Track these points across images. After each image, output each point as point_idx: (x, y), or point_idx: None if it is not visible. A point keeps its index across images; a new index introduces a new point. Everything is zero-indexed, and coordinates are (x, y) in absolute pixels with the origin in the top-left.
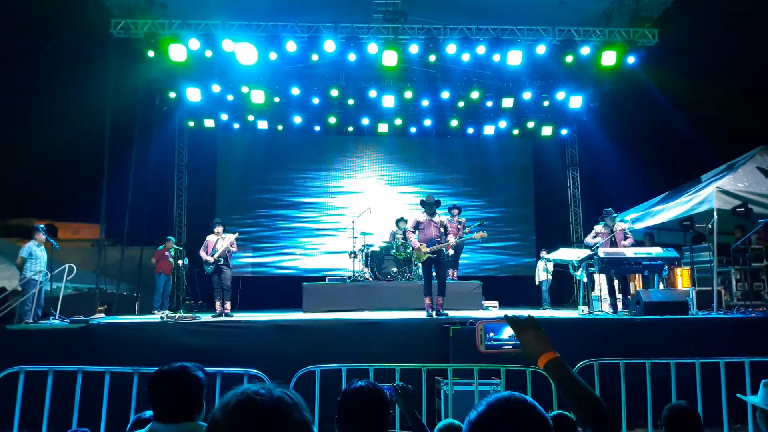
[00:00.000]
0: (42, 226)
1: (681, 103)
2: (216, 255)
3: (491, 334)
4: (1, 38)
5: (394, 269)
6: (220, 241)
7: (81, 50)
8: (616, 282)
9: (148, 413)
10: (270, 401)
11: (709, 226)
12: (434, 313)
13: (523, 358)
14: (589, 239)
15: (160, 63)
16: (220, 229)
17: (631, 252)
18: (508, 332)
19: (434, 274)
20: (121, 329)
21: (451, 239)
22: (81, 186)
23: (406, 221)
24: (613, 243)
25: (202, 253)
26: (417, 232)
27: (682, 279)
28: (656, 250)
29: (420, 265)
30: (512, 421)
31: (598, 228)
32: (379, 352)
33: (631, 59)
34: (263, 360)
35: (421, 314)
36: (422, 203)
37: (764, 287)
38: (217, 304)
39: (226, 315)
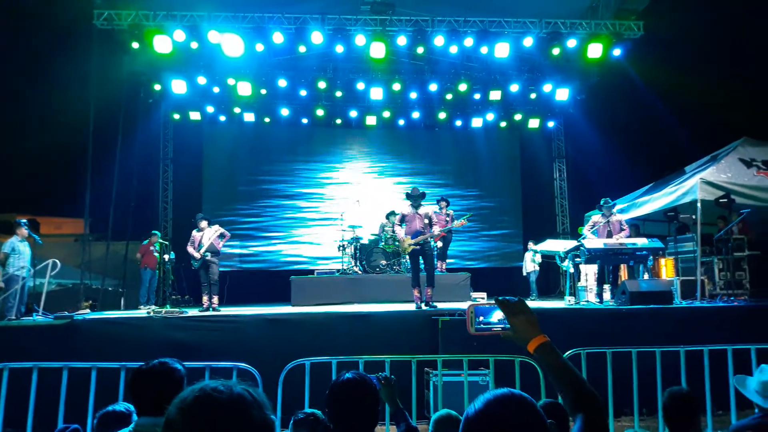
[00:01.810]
0: (24, 221)
1: (666, 95)
2: (203, 250)
3: (481, 318)
4: None
5: (383, 262)
6: (205, 235)
7: (64, 42)
8: (606, 272)
9: (120, 406)
10: (228, 399)
11: (693, 216)
12: (423, 304)
13: (513, 341)
14: (586, 230)
15: (144, 55)
16: (204, 223)
17: (616, 243)
18: (498, 315)
19: (422, 266)
20: (107, 325)
21: (435, 230)
22: (64, 180)
23: (396, 215)
24: (609, 233)
25: (189, 249)
26: (403, 224)
27: (667, 269)
28: (641, 241)
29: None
30: (509, 419)
31: (596, 218)
32: (368, 344)
33: (617, 52)
34: (253, 354)
35: (410, 306)
36: (407, 196)
37: (746, 276)
38: (205, 298)
39: (214, 309)
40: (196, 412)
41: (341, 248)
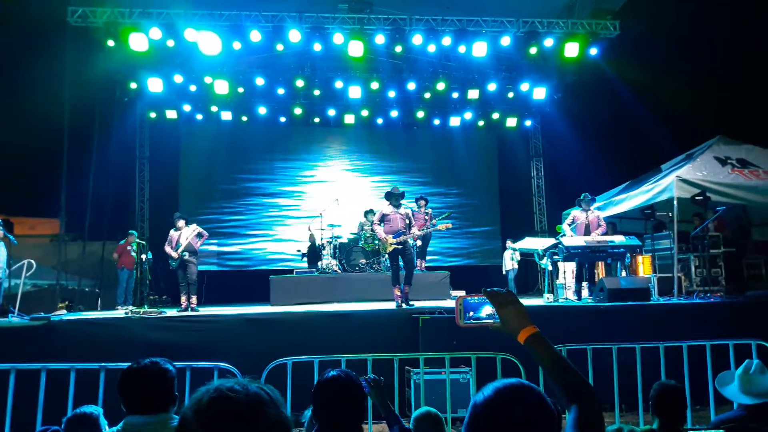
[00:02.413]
0: None
1: (641, 93)
2: (180, 249)
3: (471, 313)
4: None
5: (363, 261)
6: (183, 234)
7: (37, 40)
8: (584, 269)
9: (88, 408)
10: (245, 398)
11: (670, 214)
12: (403, 303)
13: (503, 333)
14: (566, 225)
15: (120, 53)
16: (181, 222)
17: (594, 240)
18: (487, 310)
19: (401, 264)
20: (85, 325)
21: (415, 230)
22: (39, 180)
23: (375, 213)
24: (587, 229)
25: (167, 249)
26: (383, 224)
27: (644, 266)
28: (619, 239)
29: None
30: (519, 407)
31: (575, 212)
32: (349, 343)
33: (593, 51)
34: (233, 354)
35: (391, 305)
36: (388, 195)
37: (722, 273)
38: (183, 298)
39: (192, 310)
40: (212, 413)
41: (320, 247)
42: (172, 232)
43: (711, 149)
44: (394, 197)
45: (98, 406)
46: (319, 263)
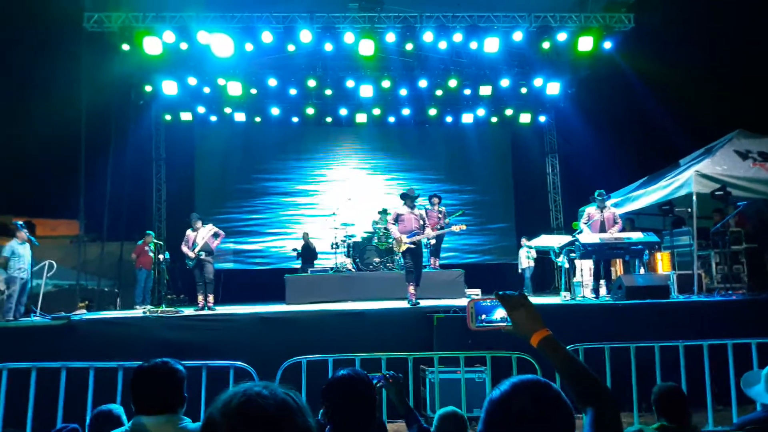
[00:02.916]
0: (21, 223)
1: (658, 87)
2: (197, 249)
3: (483, 316)
4: None
5: (376, 259)
6: (200, 234)
7: (54, 45)
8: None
9: (111, 406)
10: (274, 404)
11: (689, 210)
12: (418, 301)
13: (516, 335)
14: (582, 224)
15: (135, 56)
16: (198, 223)
17: (611, 237)
18: (500, 313)
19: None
20: (104, 325)
21: (429, 231)
22: (58, 182)
23: (389, 213)
24: (603, 226)
25: (184, 248)
26: (397, 223)
27: (663, 263)
28: (637, 235)
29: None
30: (534, 402)
31: (590, 210)
32: (363, 342)
33: (607, 44)
34: (248, 352)
35: (404, 303)
36: (403, 196)
37: (743, 270)
38: (200, 297)
39: (209, 309)
40: (241, 417)
41: (334, 246)
42: (189, 232)
43: (731, 143)
44: (409, 198)
45: (117, 403)
46: (316, 262)
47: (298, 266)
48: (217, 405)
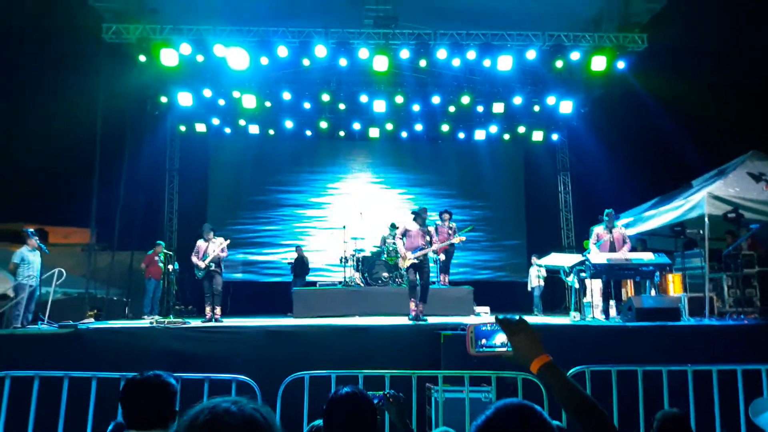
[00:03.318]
0: (32, 230)
1: (671, 108)
2: (207, 260)
3: (483, 340)
4: None
5: (385, 274)
6: (210, 246)
7: (72, 55)
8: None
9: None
10: (241, 421)
11: (701, 231)
12: (418, 317)
13: (515, 362)
14: (591, 244)
15: (151, 68)
16: (210, 234)
17: (623, 257)
18: (500, 338)
19: (418, 280)
20: (110, 334)
21: (434, 246)
22: (72, 190)
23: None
24: (612, 246)
25: (194, 258)
26: (404, 238)
27: (674, 285)
28: (648, 256)
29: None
30: (518, 428)
31: (598, 230)
32: (369, 358)
33: (620, 64)
34: (253, 366)
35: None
36: (415, 213)
37: (756, 293)
38: (207, 309)
39: (216, 320)
40: None
41: (343, 260)
42: (200, 242)
43: (744, 165)
44: (420, 217)
45: (116, 415)
46: (308, 277)
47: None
48: (184, 421)
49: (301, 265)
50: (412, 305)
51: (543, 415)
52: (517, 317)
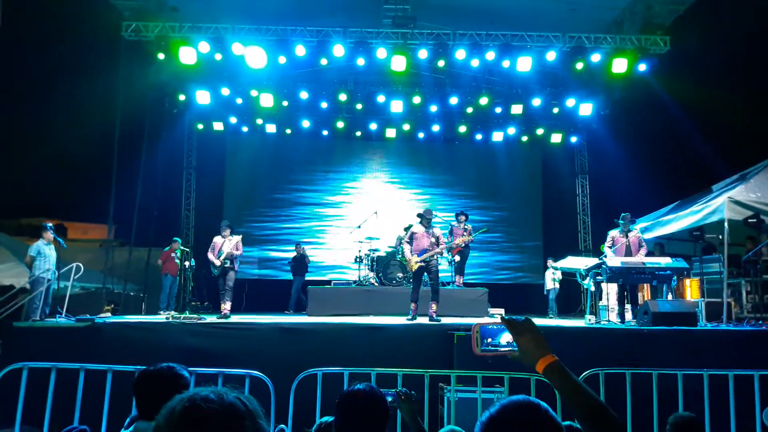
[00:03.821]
0: (50, 224)
1: (692, 111)
2: (222, 257)
3: (489, 339)
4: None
5: (400, 275)
6: (227, 243)
7: (92, 52)
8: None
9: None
10: (220, 410)
11: (720, 236)
12: (416, 317)
13: (521, 362)
14: (606, 248)
15: (170, 65)
16: (227, 231)
17: (640, 261)
18: (506, 337)
19: (427, 282)
20: (127, 328)
21: (441, 248)
22: (91, 187)
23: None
24: (628, 250)
25: (210, 255)
26: (412, 242)
27: (691, 290)
28: (666, 260)
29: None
30: (524, 425)
31: (614, 233)
32: (382, 356)
33: (642, 67)
34: (266, 362)
35: (426, 320)
36: (421, 216)
37: None
38: (222, 305)
39: (224, 317)
40: (185, 424)
41: (358, 260)
42: (216, 238)
43: (766, 170)
44: (425, 219)
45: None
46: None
47: (306, 278)
48: (163, 410)
49: (300, 263)
50: (413, 306)
51: (549, 411)
52: (522, 318)
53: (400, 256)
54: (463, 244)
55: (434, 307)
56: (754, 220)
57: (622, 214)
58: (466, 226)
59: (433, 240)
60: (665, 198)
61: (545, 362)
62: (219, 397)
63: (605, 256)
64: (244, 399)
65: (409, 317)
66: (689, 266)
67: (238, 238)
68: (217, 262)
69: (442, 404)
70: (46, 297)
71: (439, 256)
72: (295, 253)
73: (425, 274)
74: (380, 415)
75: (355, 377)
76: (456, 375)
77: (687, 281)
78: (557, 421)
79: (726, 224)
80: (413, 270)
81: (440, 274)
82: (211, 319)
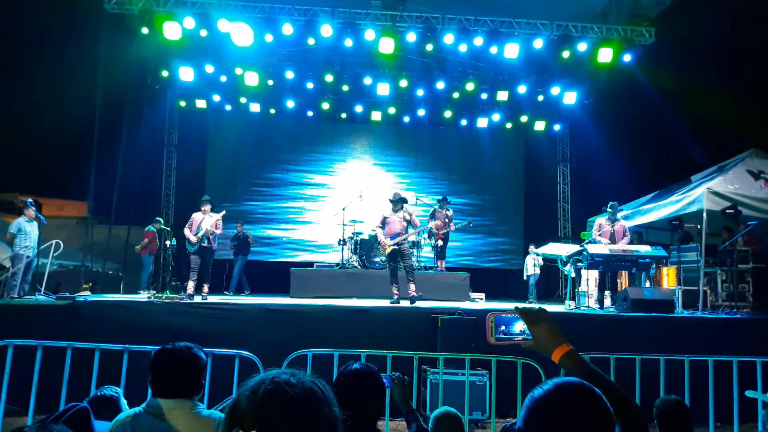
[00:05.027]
0: (31, 201)
1: (675, 103)
2: (200, 234)
3: (503, 327)
4: None
5: (383, 258)
6: (206, 220)
7: (73, 24)
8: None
9: (108, 390)
10: (302, 394)
11: (698, 226)
12: (400, 300)
13: (537, 351)
14: (595, 233)
15: (153, 41)
16: (207, 207)
17: (620, 249)
18: (519, 326)
19: (400, 264)
20: (108, 308)
21: (411, 231)
22: (68, 162)
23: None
24: (613, 238)
25: (186, 231)
26: (384, 227)
27: (669, 278)
28: (645, 249)
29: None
30: (577, 407)
31: (601, 221)
32: (367, 338)
33: (627, 57)
34: (253, 343)
35: (406, 303)
36: (393, 202)
37: (749, 289)
38: (190, 284)
39: (190, 297)
40: (269, 405)
41: (341, 242)
42: (196, 214)
43: (744, 162)
44: (393, 202)
45: (120, 387)
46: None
47: (288, 260)
48: (245, 391)
49: (243, 243)
50: (395, 289)
51: (603, 398)
52: (537, 307)
53: None
54: (443, 232)
55: (412, 287)
56: (732, 211)
57: (610, 203)
58: (447, 211)
59: (405, 223)
60: (645, 187)
61: (561, 351)
62: (299, 381)
63: (588, 243)
64: (320, 384)
65: (393, 300)
66: (667, 255)
67: (219, 215)
68: (194, 239)
69: (425, 386)
70: (26, 274)
71: (417, 233)
72: (236, 232)
73: (398, 257)
74: (377, 392)
75: (346, 358)
76: (444, 357)
77: (664, 269)
78: (609, 409)
79: (704, 214)
80: (386, 253)
81: (423, 259)
82: (197, 299)
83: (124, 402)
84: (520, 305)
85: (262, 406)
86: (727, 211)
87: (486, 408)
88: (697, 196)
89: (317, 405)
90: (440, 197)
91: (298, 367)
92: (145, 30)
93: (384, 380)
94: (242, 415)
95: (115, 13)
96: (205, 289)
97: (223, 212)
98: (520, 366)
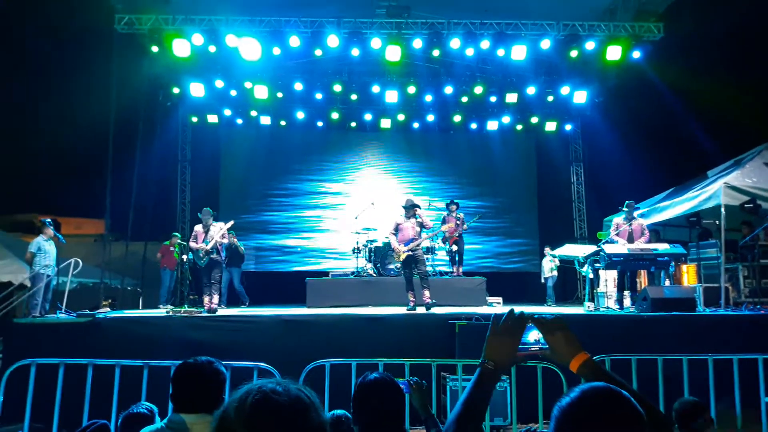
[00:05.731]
0: (49, 220)
1: (687, 98)
2: (209, 245)
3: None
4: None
5: (398, 265)
6: (212, 230)
7: (85, 45)
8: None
9: (140, 407)
10: (288, 401)
11: (717, 222)
12: (419, 307)
13: (554, 361)
14: (612, 233)
15: (163, 58)
16: (210, 219)
17: (638, 248)
18: (534, 335)
19: (415, 270)
20: (128, 323)
21: (424, 234)
22: (84, 181)
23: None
24: (630, 237)
25: (193, 245)
26: (397, 233)
27: (688, 275)
28: (663, 246)
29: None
30: (606, 411)
31: (618, 220)
32: (385, 347)
33: (636, 54)
34: (270, 354)
35: (422, 309)
36: (405, 209)
37: None
38: (206, 299)
39: (210, 311)
40: (256, 415)
41: (356, 251)
42: (198, 227)
43: (761, 155)
44: (405, 209)
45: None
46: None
47: (303, 269)
48: (233, 402)
49: (234, 254)
50: (410, 296)
51: (632, 400)
52: (552, 316)
53: None
54: (457, 234)
55: (427, 293)
56: (751, 205)
57: (627, 202)
58: (458, 215)
59: (418, 228)
60: (660, 184)
61: (579, 360)
62: (285, 389)
63: (605, 243)
64: (306, 391)
65: (409, 307)
66: (686, 252)
67: (225, 225)
68: (207, 247)
69: (445, 393)
70: (46, 293)
71: (432, 237)
72: (227, 242)
73: (413, 263)
74: (398, 402)
75: (363, 368)
76: (462, 364)
77: (684, 267)
78: (639, 410)
79: (723, 209)
80: (401, 260)
81: (439, 263)
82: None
83: (158, 420)
84: (535, 313)
85: (250, 416)
86: (745, 205)
87: (507, 414)
88: (715, 191)
89: (305, 411)
90: (448, 202)
91: (316, 377)
92: (155, 48)
93: (402, 386)
94: (231, 426)
95: (126, 33)
96: (206, 300)
97: (231, 222)
98: (540, 370)
